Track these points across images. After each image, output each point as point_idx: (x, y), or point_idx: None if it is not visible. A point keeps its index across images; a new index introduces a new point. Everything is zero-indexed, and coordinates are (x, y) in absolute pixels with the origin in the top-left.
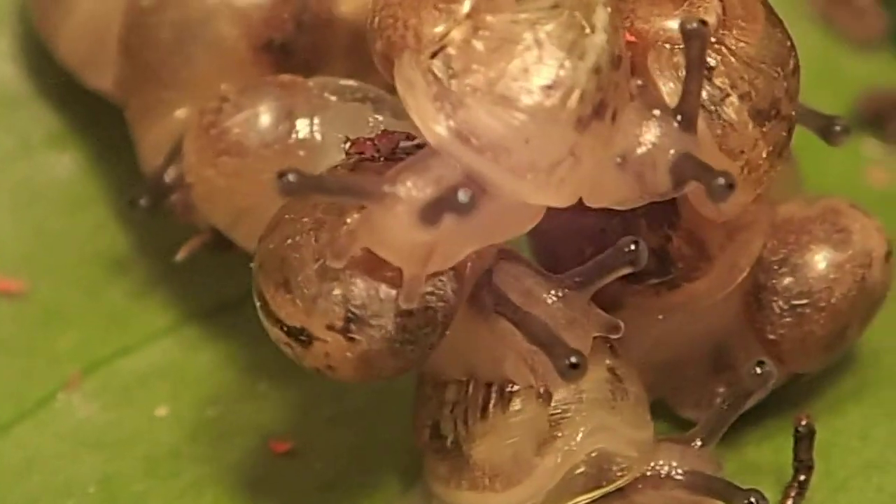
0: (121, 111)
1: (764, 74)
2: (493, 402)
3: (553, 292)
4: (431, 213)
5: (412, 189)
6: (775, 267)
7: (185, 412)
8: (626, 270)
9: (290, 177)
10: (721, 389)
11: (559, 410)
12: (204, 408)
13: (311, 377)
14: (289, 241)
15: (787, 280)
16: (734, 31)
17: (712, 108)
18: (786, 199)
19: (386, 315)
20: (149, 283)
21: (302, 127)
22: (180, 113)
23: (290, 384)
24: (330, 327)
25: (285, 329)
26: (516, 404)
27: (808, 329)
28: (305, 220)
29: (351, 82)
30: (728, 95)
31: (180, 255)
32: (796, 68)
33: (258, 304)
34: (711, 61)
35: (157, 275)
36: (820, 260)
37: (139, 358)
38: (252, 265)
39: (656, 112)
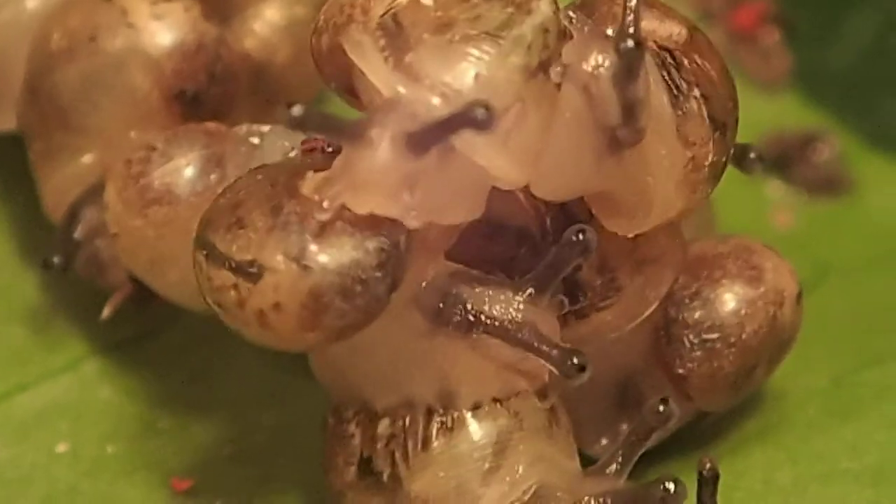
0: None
1: (720, 95)
2: (436, 431)
3: (518, 298)
4: (419, 140)
5: (394, 124)
6: (686, 300)
7: (85, 449)
8: (579, 261)
9: (297, 109)
10: (625, 426)
11: (502, 438)
12: (104, 444)
13: (213, 415)
14: (241, 191)
15: (699, 313)
16: (699, 56)
17: (678, 93)
18: (698, 239)
19: (341, 247)
20: (48, 319)
21: (234, 173)
22: (86, 159)
23: (192, 421)
24: (285, 254)
25: (233, 266)
26: (464, 432)
27: (717, 364)
28: (259, 177)
29: (269, 126)
30: (693, 89)
31: (105, 314)
32: (736, 117)
33: (202, 255)
34: (684, 60)
35: (57, 311)
36: (732, 295)
37: (38, 394)
38: (196, 233)
39: (599, 42)
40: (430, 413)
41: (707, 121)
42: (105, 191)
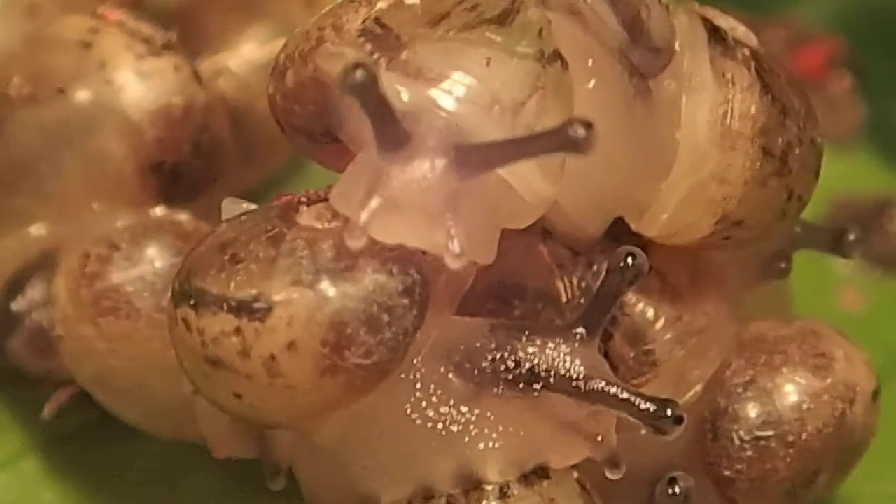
0: None
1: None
2: None
3: (571, 344)
4: (475, 159)
5: (436, 134)
6: (739, 390)
7: None
8: (630, 289)
9: (360, 74)
10: None
11: None
12: None
13: None
14: (227, 233)
15: (752, 406)
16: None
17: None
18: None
19: (362, 270)
20: None
21: None
22: (36, 229)
23: None
24: (297, 282)
25: (233, 306)
26: None
27: (770, 467)
28: (243, 218)
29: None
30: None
31: (47, 412)
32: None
33: (188, 308)
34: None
35: None
36: (793, 386)
37: None
38: (173, 285)
39: None
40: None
41: (752, 146)
42: (54, 280)
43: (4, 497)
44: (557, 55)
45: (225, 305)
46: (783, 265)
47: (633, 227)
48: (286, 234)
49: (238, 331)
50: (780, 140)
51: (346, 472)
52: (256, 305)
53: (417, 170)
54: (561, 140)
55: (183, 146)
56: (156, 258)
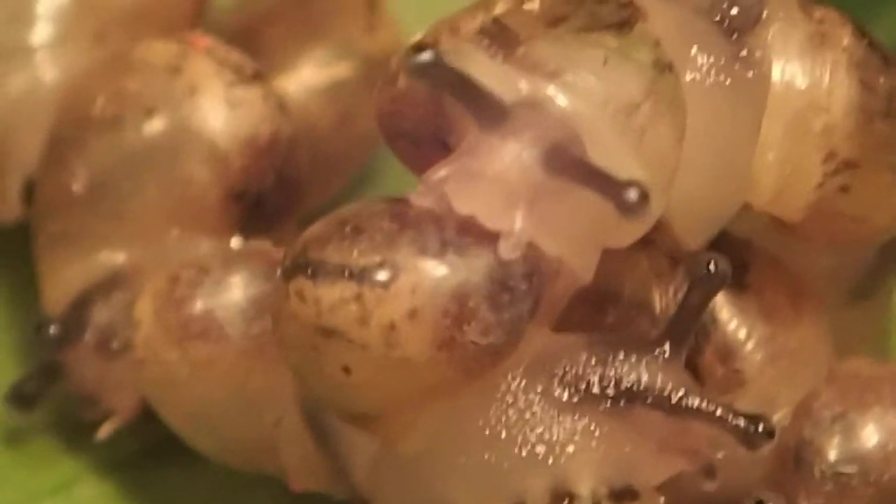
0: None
1: None
2: None
3: (659, 359)
4: (557, 159)
5: (539, 129)
6: (827, 423)
7: None
8: (713, 297)
9: (425, 55)
10: None
11: None
12: None
13: None
14: (343, 214)
15: (838, 440)
16: None
17: None
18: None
19: (487, 247)
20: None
21: None
22: (109, 253)
23: None
24: (423, 252)
25: (355, 273)
26: None
27: None
28: (355, 205)
29: None
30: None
31: (101, 436)
32: None
33: (304, 279)
34: None
35: (44, 422)
36: (882, 425)
37: None
38: (284, 262)
39: None
40: None
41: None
42: (137, 302)
43: None
44: (672, 67)
45: (347, 272)
46: (881, 284)
47: (753, 203)
48: (409, 211)
49: (358, 297)
50: (881, 80)
51: (429, 487)
52: (381, 271)
53: (508, 151)
54: (616, 196)
55: (267, 177)
56: (247, 284)
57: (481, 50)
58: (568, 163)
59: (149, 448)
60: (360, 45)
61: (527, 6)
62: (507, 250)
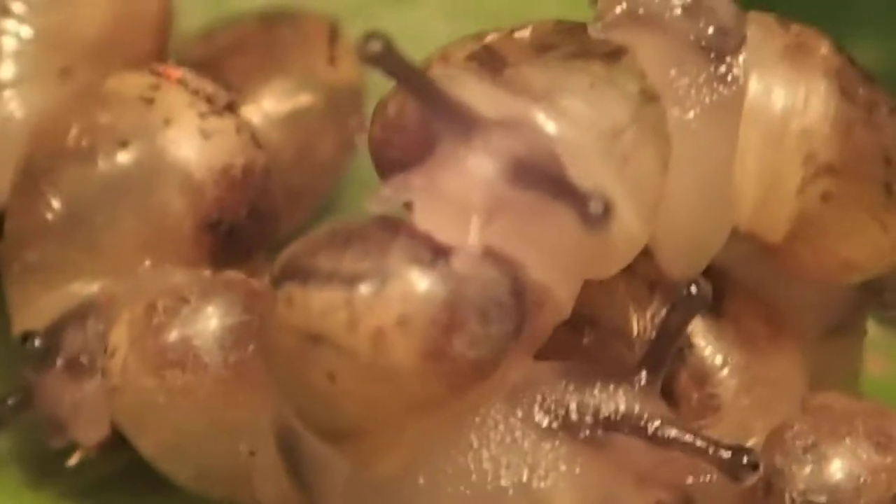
0: None
1: None
2: None
3: (635, 388)
4: (524, 173)
5: (505, 142)
6: (799, 452)
7: None
8: (693, 318)
9: (377, 43)
10: None
11: None
12: None
13: None
14: (334, 226)
15: (809, 469)
16: None
17: None
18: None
19: (478, 262)
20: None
21: None
22: (80, 287)
23: None
24: (415, 260)
25: (346, 279)
26: None
27: None
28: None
29: None
30: None
31: (73, 462)
32: None
33: (294, 286)
34: None
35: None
36: (854, 458)
37: None
38: (273, 271)
39: None
40: None
41: None
42: (112, 330)
43: None
44: (657, 98)
45: (337, 278)
46: (858, 321)
47: (737, 220)
48: (401, 224)
49: (348, 303)
50: (860, 90)
51: None
52: (372, 278)
53: (473, 163)
54: (580, 207)
55: (241, 208)
56: (225, 313)
57: (470, 73)
58: (535, 176)
59: (117, 474)
60: (322, 76)
61: (517, 35)
62: (459, 265)
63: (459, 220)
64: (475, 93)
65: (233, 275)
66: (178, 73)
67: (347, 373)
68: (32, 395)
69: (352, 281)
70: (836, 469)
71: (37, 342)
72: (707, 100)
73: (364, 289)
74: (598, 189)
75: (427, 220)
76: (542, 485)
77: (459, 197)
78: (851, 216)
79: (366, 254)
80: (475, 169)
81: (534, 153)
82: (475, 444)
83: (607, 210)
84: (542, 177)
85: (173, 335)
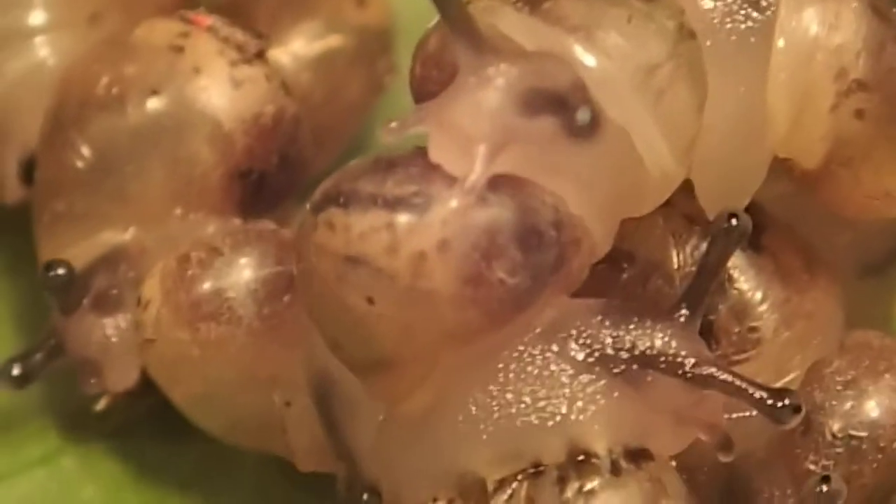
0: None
1: None
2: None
3: (676, 325)
4: (534, 103)
5: (518, 73)
6: (839, 387)
7: None
8: (734, 251)
9: None
10: None
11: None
12: None
13: None
14: (376, 155)
15: (849, 404)
16: None
17: None
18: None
19: (520, 189)
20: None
21: None
22: (109, 236)
23: None
24: (457, 186)
25: (389, 202)
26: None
27: (856, 469)
28: None
29: None
30: None
31: (101, 405)
32: None
33: (336, 208)
34: None
35: (30, 393)
36: (893, 392)
37: (5, 491)
38: (314, 198)
39: None
40: (562, 480)
41: None
42: (146, 283)
43: (43, 493)
44: (694, 35)
45: (379, 201)
46: (893, 264)
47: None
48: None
49: (389, 226)
50: (892, 9)
51: (438, 452)
52: (415, 201)
53: (481, 95)
54: (566, 113)
55: (271, 157)
56: (258, 265)
57: (509, 4)
58: (545, 104)
59: (134, 422)
60: (351, 17)
61: None
62: (462, 195)
63: (468, 152)
64: (512, 23)
65: (264, 225)
66: (208, 20)
67: (385, 296)
68: (61, 340)
69: (394, 205)
70: (877, 405)
71: (60, 270)
72: (742, 26)
73: (406, 212)
74: (644, 131)
75: (438, 151)
76: (580, 416)
77: (467, 128)
78: (890, 139)
79: (409, 179)
80: (484, 101)
81: (554, 83)
82: (512, 378)
83: (595, 119)
84: (551, 103)
85: (207, 287)
